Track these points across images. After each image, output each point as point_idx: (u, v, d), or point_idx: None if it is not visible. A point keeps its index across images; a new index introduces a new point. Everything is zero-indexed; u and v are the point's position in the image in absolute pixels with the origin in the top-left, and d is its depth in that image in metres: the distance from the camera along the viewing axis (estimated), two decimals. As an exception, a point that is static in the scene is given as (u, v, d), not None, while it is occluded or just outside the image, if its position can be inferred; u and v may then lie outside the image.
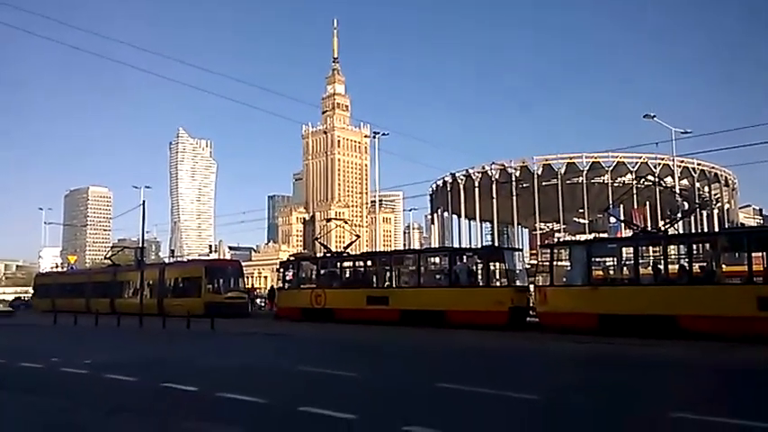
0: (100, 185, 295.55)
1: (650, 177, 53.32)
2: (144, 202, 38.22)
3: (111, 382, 11.31)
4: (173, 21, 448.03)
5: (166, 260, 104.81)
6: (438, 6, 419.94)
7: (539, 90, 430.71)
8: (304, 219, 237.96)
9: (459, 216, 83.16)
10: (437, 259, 27.56)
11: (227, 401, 8.98)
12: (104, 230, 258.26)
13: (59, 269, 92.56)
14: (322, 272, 30.22)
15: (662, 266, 19.40)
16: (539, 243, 62.88)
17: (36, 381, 12.26)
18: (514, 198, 69.86)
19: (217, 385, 10.19)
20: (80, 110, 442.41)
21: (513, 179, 70.02)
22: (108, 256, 53.32)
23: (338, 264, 29.99)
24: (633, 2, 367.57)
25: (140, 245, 37.99)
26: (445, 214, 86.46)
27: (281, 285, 32.97)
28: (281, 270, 32.91)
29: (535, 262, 38.06)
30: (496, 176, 73.02)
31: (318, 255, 37.44)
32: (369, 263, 29.54)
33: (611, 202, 55.76)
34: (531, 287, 24.73)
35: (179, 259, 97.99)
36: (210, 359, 15.84)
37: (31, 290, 65.43)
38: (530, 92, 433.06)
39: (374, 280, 27.77)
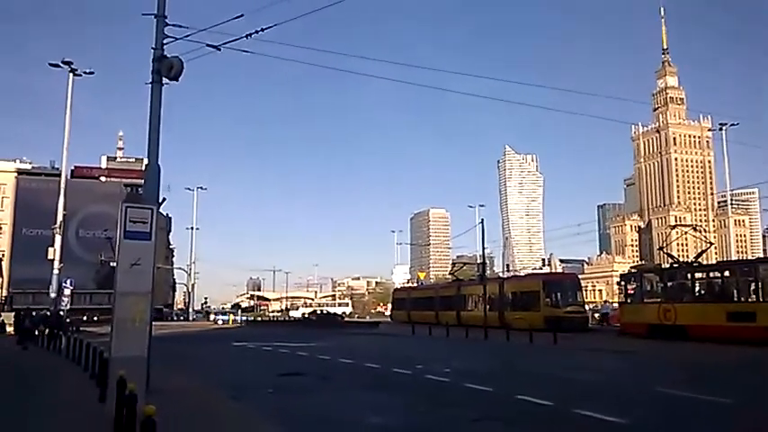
0: (438, 207, 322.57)
1: None
2: (482, 220, 40.57)
3: (470, 391, 12.21)
4: (478, 41, 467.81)
5: (500, 274, 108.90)
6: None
7: None
8: (639, 227, 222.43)
9: (844, 213, 67.89)
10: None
11: (582, 419, 8.91)
12: (445, 248, 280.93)
13: (411, 284, 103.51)
14: (670, 284, 27.80)
15: None
16: None
17: (407, 385, 13.97)
18: None
19: (571, 401, 10.21)
20: (414, 140, 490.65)
21: None
22: (451, 271, 57.69)
23: (689, 275, 27.22)
24: None
25: (481, 260, 40.28)
26: (823, 212, 71.49)
27: (622, 299, 31.42)
28: (623, 283, 31.38)
29: None
30: None
31: (663, 265, 34.48)
32: (727, 273, 26.09)
33: None
34: None
35: (513, 273, 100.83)
36: (558, 373, 15.88)
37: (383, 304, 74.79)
38: None
39: (735, 293, 24.44)
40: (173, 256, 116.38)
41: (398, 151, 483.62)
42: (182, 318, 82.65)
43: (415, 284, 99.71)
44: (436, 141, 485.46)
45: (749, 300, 23.65)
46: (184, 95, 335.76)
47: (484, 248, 38.85)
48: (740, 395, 11.13)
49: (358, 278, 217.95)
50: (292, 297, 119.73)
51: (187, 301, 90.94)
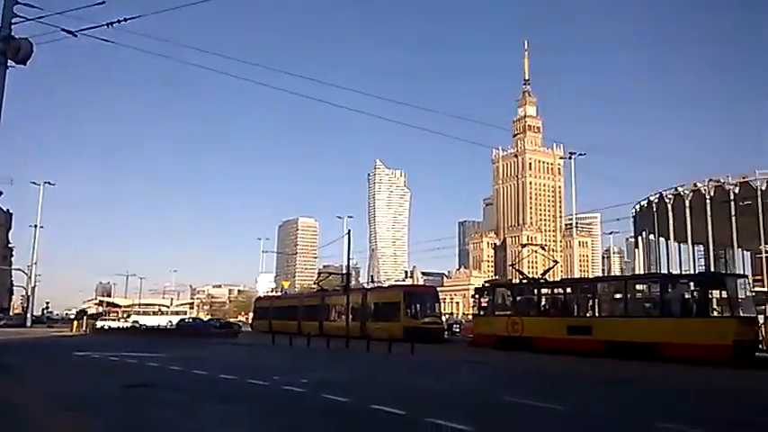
0: (308, 216, 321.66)
1: None
2: (349, 231, 40.94)
3: (327, 402, 12.12)
4: (362, 59, 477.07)
5: (365, 285, 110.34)
6: (627, 19, 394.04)
7: (744, 98, 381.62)
8: (495, 244, 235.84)
9: (667, 239, 76.41)
10: (646, 286, 25.60)
11: (434, 428, 9.13)
12: (312, 257, 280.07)
13: (274, 293, 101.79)
14: (518, 299, 29.66)
15: None
16: (765, 268, 55.59)
17: (262, 396, 13.59)
18: (733, 218, 62.40)
19: (424, 410, 10.45)
20: (288, 147, 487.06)
21: (732, 196, 62.73)
22: (316, 281, 57.54)
23: (536, 291, 29.20)
24: None
25: (346, 271, 40.55)
26: (651, 237, 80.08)
27: (476, 312, 32.97)
28: (477, 296, 32.93)
29: (762, 289, 33.67)
30: (712, 194, 66.02)
31: (514, 281, 36.80)
32: (569, 290, 28.33)
33: None
34: (761, 318, 21.88)
35: (377, 284, 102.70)
36: (415, 383, 16.25)
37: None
38: (735, 100, 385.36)
39: (575, 308, 26.59)
40: (11, 255, 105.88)
41: (270, 158, 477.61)
42: (18, 324, 75.01)
43: (280, 293, 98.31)
44: (310, 151, 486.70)
45: (587, 315, 25.79)
46: (39, 82, 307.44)
47: (349, 259, 39.21)
48: (575, 403, 12.00)
49: (219, 286, 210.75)
50: (146, 304, 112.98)
51: (26, 305, 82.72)
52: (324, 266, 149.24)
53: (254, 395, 13.80)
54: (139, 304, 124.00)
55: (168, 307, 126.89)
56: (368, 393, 13.66)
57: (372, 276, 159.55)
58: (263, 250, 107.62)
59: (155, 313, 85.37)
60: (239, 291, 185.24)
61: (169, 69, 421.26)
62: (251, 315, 72.21)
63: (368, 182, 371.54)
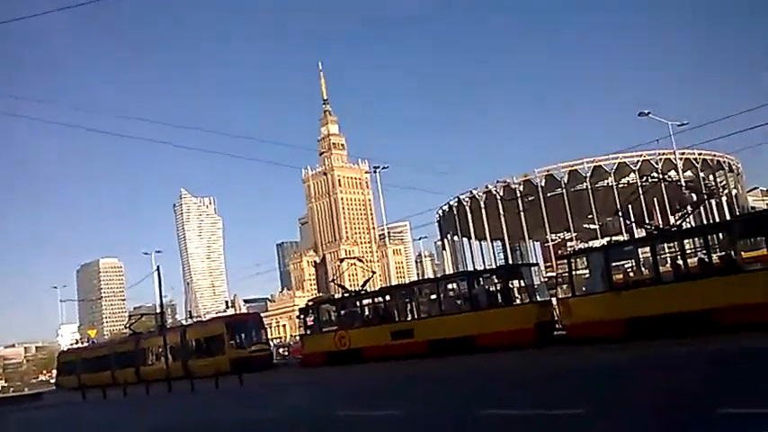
0: (110, 257, 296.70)
1: (654, 174, 53.30)
2: (158, 267, 38.35)
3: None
4: (156, 84, 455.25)
5: (184, 322, 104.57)
6: (420, 24, 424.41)
7: (529, 102, 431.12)
8: (315, 262, 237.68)
9: (470, 238, 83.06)
10: (456, 285, 27.43)
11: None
12: (120, 300, 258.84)
13: (80, 345, 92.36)
14: (342, 313, 30.10)
15: (681, 262, 19.30)
16: (553, 255, 62.72)
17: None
18: (522, 213, 69.77)
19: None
20: (81, 184, 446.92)
21: (518, 194, 70.09)
22: (127, 325, 53.26)
23: (358, 302, 29.85)
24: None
25: (160, 310, 38.02)
26: (455, 238, 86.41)
27: (302, 332, 32.82)
28: (302, 316, 32.77)
29: (552, 275, 37.93)
30: (501, 194, 73.11)
31: (336, 296, 37.36)
32: (388, 297, 29.36)
33: (618, 205, 55.62)
34: (554, 300, 24.59)
35: (197, 319, 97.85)
36: (242, 415, 15.70)
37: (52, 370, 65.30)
38: (520, 105, 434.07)
39: (396, 314, 27.61)
40: None
41: (61, 199, 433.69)
42: None
43: (87, 344, 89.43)
44: (106, 187, 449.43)
45: (408, 318, 26.97)
46: None
47: (161, 297, 36.64)
48: (408, 407, 12.43)
49: (13, 345, 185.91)
50: None
51: None
52: (134, 308, 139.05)
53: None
54: None
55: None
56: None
57: (191, 312, 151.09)
58: (61, 299, 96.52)
59: None
60: (37, 347, 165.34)
61: None
62: (54, 372, 64.78)
63: (174, 213, 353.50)
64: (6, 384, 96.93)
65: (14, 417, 28.53)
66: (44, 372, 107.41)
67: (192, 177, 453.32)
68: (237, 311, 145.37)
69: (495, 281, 25.41)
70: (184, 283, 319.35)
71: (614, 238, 38.09)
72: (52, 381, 70.53)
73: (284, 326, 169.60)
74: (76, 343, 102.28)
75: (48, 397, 40.95)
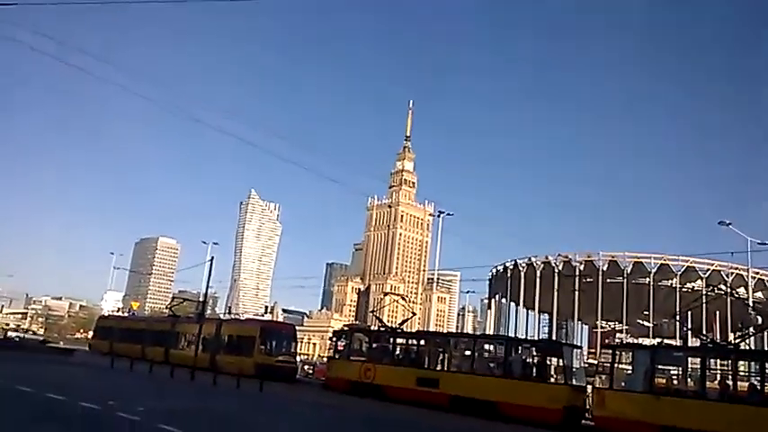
0: (169, 237, 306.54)
1: (722, 286, 50.99)
2: (212, 258, 39.46)
3: (163, 433, 11.53)
4: (258, 87, 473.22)
5: (222, 316, 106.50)
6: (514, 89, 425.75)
7: (609, 187, 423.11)
8: (359, 289, 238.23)
9: (518, 304, 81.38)
10: (492, 347, 26.96)
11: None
12: (168, 280, 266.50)
13: (121, 313, 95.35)
14: (374, 345, 29.95)
15: (731, 382, 18.38)
16: (599, 342, 60.52)
17: (92, 423, 12.63)
18: (577, 292, 67.91)
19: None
20: (158, 164, 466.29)
21: (577, 273, 68.38)
22: (168, 305, 54.71)
23: (391, 339, 29.69)
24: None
25: (203, 299, 38.92)
26: (503, 300, 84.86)
27: (331, 355, 32.85)
28: (334, 339, 32.79)
29: (594, 361, 36.68)
30: (560, 268, 71.51)
31: (372, 327, 37.26)
32: (422, 342, 29.09)
33: (678, 308, 53.42)
34: (589, 388, 23.79)
35: (235, 316, 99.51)
36: (258, 422, 15.86)
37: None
38: (599, 188, 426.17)
39: (426, 360, 27.29)
40: None
41: (136, 172, 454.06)
42: None
43: (126, 314, 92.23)
44: (181, 170, 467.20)
45: (437, 368, 26.61)
46: None
47: (208, 287, 37.69)
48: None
49: (60, 298, 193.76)
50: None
51: None
52: (179, 291, 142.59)
53: (83, 419, 12.81)
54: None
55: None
56: (207, 429, 13.16)
57: (230, 308, 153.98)
58: (115, 266, 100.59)
59: None
60: (81, 306, 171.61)
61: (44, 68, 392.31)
62: (91, 333, 67.00)
63: (240, 211, 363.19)
64: (45, 334, 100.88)
65: (40, 366, 29.76)
66: (81, 330, 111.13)
67: (263, 181, 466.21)
68: (274, 319, 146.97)
69: (534, 353, 24.83)
70: (231, 279, 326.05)
71: (666, 340, 36.55)
72: (87, 341, 73.00)
73: (315, 344, 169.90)
74: (118, 311, 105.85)
75: (79, 355, 42.48)
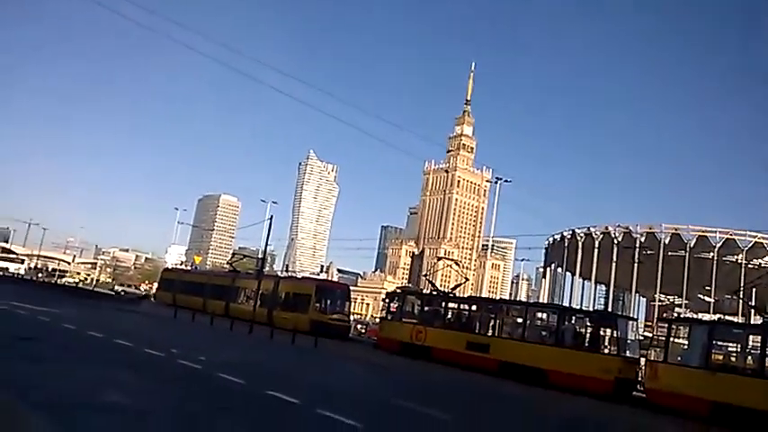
0: (230, 194, 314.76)
1: (791, 264, 48.81)
2: (272, 217, 40.52)
3: (222, 381, 12.18)
4: (315, 50, 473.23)
5: (279, 273, 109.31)
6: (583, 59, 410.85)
7: (673, 157, 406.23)
8: (413, 253, 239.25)
9: (573, 274, 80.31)
10: (545, 315, 26.83)
11: (322, 419, 9.44)
12: (229, 237, 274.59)
13: (184, 267, 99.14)
14: (426, 308, 30.32)
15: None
16: (656, 315, 59.30)
17: (157, 367, 13.45)
18: (636, 264, 66.31)
19: (316, 402, 10.73)
20: (220, 122, 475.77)
21: (638, 244, 66.62)
22: (229, 261, 56.59)
23: (443, 303, 29.95)
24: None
25: (262, 256, 40.10)
26: (559, 270, 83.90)
27: (384, 315, 33.41)
28: (387, 300, 33.27)
29: (650, 335, 36.00)
30: (619, 239, 69.91)
31: (425, 291, 37.60)
32: (474, 307, 29.26)
33: (741, 284, 51.50)
34: (642, 360, 23.48)
35: (291, 274, 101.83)
36: (313, 375, 16.47)
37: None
38: (663, 158, 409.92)
39: (477, 326, 27.47)
40: None
41: (201, 130, 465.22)
42: None
43: (189, 268, 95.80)
44: (242, 130, 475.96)
45: (487, 333, 26.75)
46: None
47: (267, 244, 38.86)
48: (459, 413, 12.59)
49: (127, 250, 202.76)
50: (45, 257, 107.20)
51: None
52: (240, 248, 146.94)
53: (148, 365, 13.64)
54: (38, 256, 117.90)
55: (70, 264, 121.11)
56: (264, 379, 13.79)
57: (288, 266, 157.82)
58: (179, 221, 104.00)
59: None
60: (147, 258, 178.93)
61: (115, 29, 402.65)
62: (156, 285, 70.19)
63: (298, 171, 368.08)
64: (117, 283, 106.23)
65: (108, 313, 31.46)
66: (146, 282, 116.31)
67: (323, 141, 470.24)
68: (329, 278, 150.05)
69: (588, 323, 24.59)
70: (289, 238, 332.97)
71: (726, 317, 35.46)
72: (152, 292, 76.54)
73: (368, 305, 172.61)
74: (181, 264, 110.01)
75: (145, 305, 44.75)
